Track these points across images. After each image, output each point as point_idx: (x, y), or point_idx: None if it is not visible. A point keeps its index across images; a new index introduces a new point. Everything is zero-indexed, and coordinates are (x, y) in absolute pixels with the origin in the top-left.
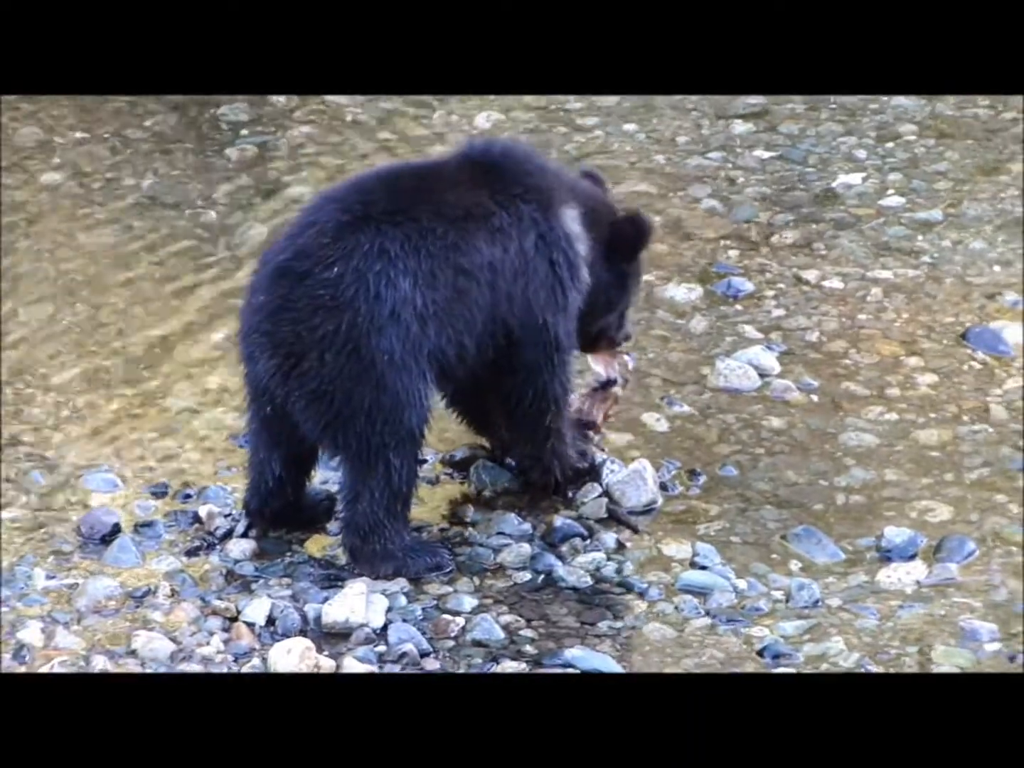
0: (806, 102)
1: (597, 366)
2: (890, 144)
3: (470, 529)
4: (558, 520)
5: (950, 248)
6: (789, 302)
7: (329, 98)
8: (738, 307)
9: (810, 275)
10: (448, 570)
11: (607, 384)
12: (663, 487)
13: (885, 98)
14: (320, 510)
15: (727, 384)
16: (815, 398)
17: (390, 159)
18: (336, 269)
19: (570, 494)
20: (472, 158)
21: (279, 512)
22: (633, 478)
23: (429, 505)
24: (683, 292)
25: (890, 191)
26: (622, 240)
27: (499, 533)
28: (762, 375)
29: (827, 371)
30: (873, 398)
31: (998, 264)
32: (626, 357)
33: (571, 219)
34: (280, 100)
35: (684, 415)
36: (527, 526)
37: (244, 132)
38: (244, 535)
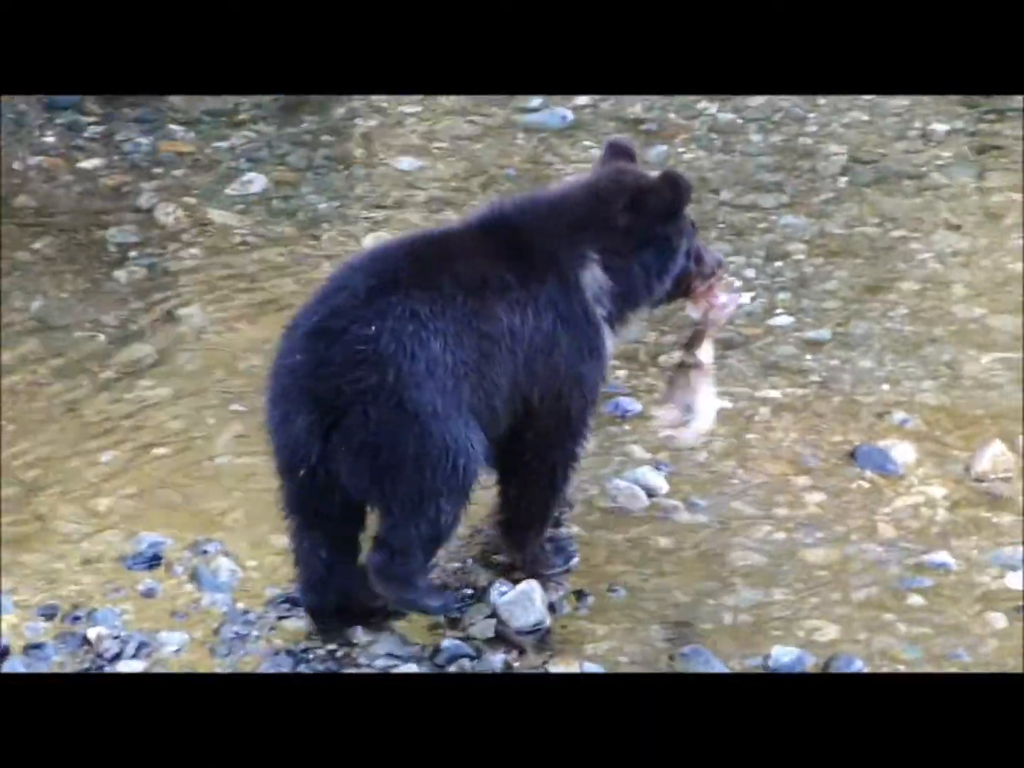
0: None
1: (694, 312)
2: (779, 263)
3: (358, 650)
4: (445, 641)
5: (838, 367)
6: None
7: (216, 219)
8: (626, 427)
9: None
10: (454, 613)
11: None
12: (551, 607)
13: (774, 217)
14: (377, 603)
15: (615, 504)
16: (703, 518)
17: (279, 278)
18: (373, 328)
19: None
20: (488, 226)
21: (337, 603)
22: (521, 598)
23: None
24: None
25: (779, 310)
26: (661, 206)
27: (387, 654)
28: (650, 495)
29: (715, 491)
30: (761, 518)
31: (886, 383)
32: (729, 297)
33: (591, 283)
34: (169, 221)
35: (572, 535)
36: (415, 647)
37: (133, 254)
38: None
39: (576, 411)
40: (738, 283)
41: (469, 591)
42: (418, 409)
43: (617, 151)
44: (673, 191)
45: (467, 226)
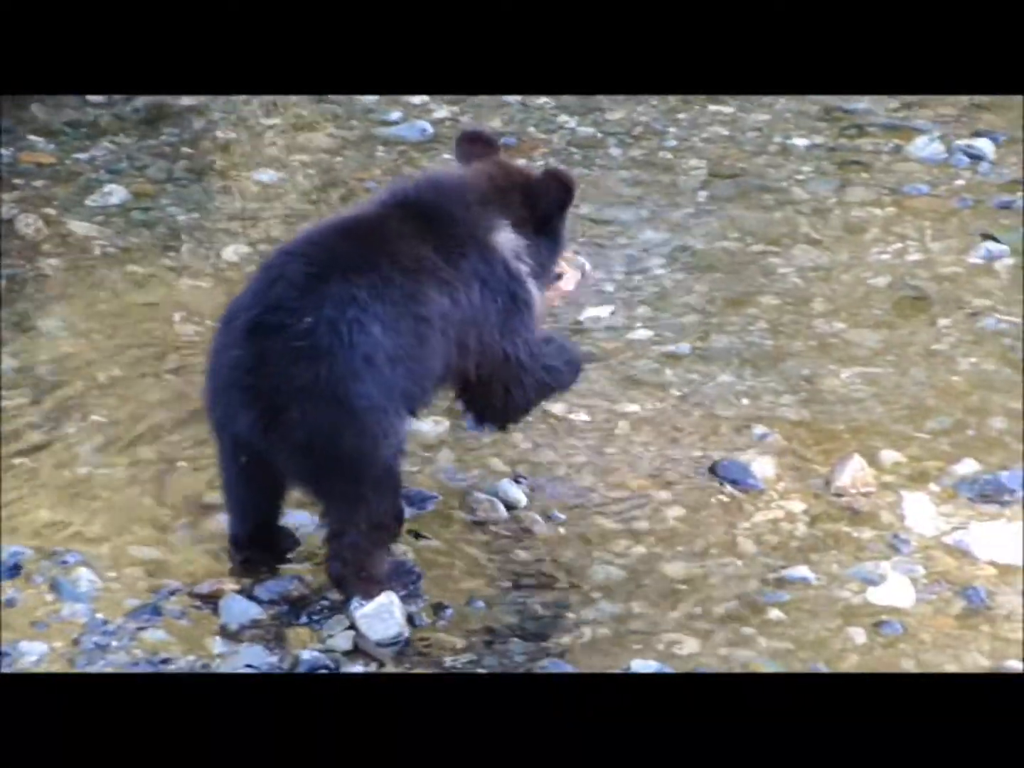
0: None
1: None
2: (638, 277)
3: (217, 661)
4: (305, 653)
5: (698, 381)
6: (536, 435)
7: (76, 230)
8: (485, 440)
9: (557, 408)
10: (417, 579)
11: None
12: (410, 620)
13: (634, 231)
14: (289, 542)
15: (474, 517)
16: (562, 531)
17: (138, 290)
18: (309, 319)
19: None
20: (407, 206)
21: (262, 542)
22: (380, 611)
23: (178, 638)
24: (430, 425)
25: (638, 324)
26: (550, 202)
27: (247, 666)
28: (510, 508)
29: (575, 504)
30: (621, 531)
31: (747, 397)
32: (580, 259)
33: (507, 243)
34: (29, 232)
35: (432, 548)
36: (274, 658)
37: None
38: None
39: (520, 359)
40: (580, 258)
41: (327, 603)
42: (355, 403)
43: (475, 139)
44: (561, 188)
45: (385, 207)
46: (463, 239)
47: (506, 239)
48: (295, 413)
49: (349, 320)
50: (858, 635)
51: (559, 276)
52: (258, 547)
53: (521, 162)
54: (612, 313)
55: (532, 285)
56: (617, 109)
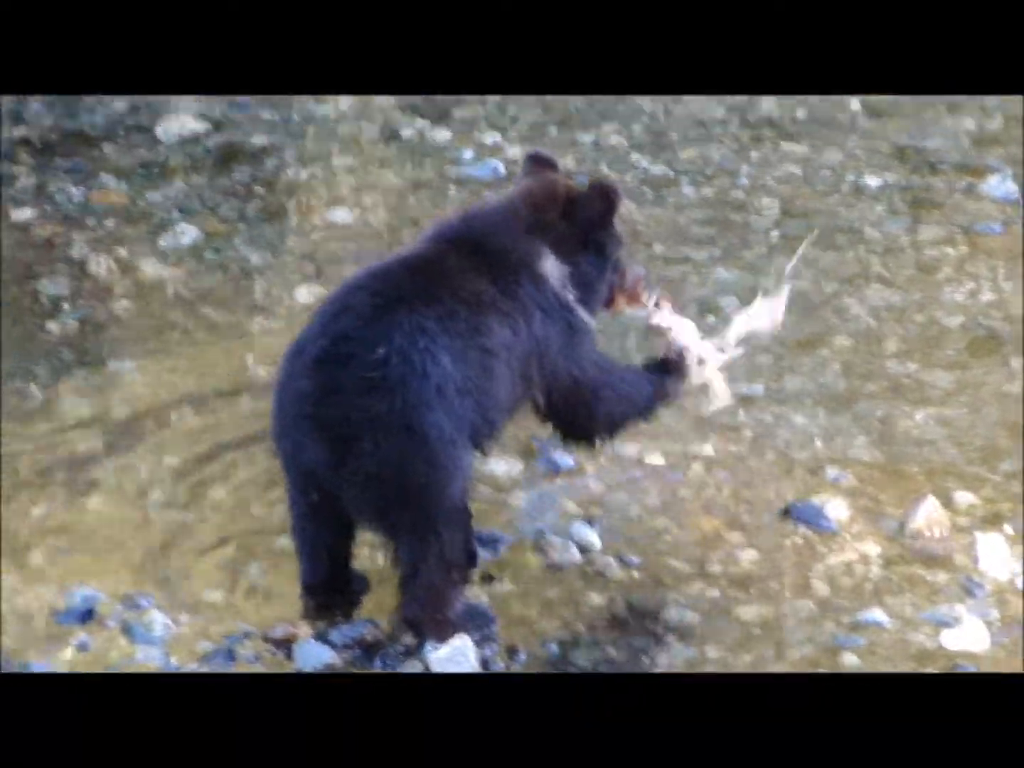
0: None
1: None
2: (711, 317)
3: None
4: None
5: (772, 422)
6: (610, 478)
7: (148, 271)
8: (559, 482)
9: (631, 450)
10: (490, 622)
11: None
12: (484, 664)
13: (706, 270)
14: (362, 586)
15: (548, 560)
16: (636, 574)
17: (210, 332)
18: (380, 350)
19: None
20: (460, 243)
21: (335, 587)
22: (454, 655)
23: None
24: (504, 467)
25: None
26: (594, 215)
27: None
28: (583, 551)
29: (648, 547)
30: (694, 574)
31: (820, 438)
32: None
33: (552, 271)
34: (101, 273)
35: (505, 591)
36: None
37: (65, 306)
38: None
39: (590, 380)
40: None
41: (401, 647)
42: (428, 433)
43: (539, 161)
44: (604, 199)
45: (439, 244)
46: (516, 269)
47: (551, 267)
48: (367, 444)
49: (421, 350)
50: None
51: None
52: (331, 592)
53: (569, 177)
54: None
55: (581, 311)
56: (689, 148)
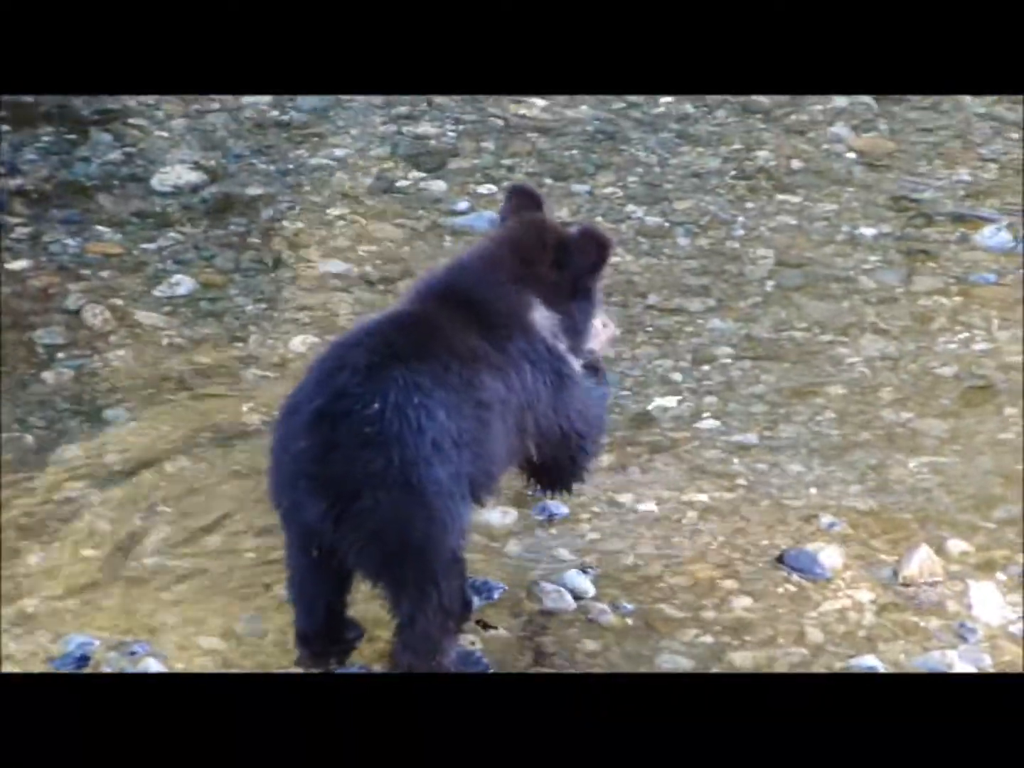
0: (620, 324)
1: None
2: (706, 367)
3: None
4: None
5: (766, 471)
6: (604, 525)
7: (144, 321)
8: (553, 531)
9: (625, 498)
10: (484, 671)
11: None
12: None
13: (701, 320)
14: (356, 632)
15: (542, 607)
16: (630, 621)
17: (206, 380)
18: (376, 406)
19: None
20: (449, 298)
21: (330, 635)
22: None
23: None
24: (498, 516)
25: (705, 414)
26: (585, 264)
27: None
28: (577, 598)
29: (642, 594)
30: (688, 621)
31: (814, 486)
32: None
33: (543, 321)
34: (96, 323)
35: (500, 638)
36: None
37: (60, 355)
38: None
39: (574, 430)
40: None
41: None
42: (426, 488)
43: (521, 196)
44: (597, 247)
45: (427, 301)
46: (505, 322)
47: (541, 317)
48: (366, 501)
49: (416, 405)
50: None
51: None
52: (326, 640)
53: (562, 224)
54: (679, 403)
55: (572, 360)
56: (685, 199)
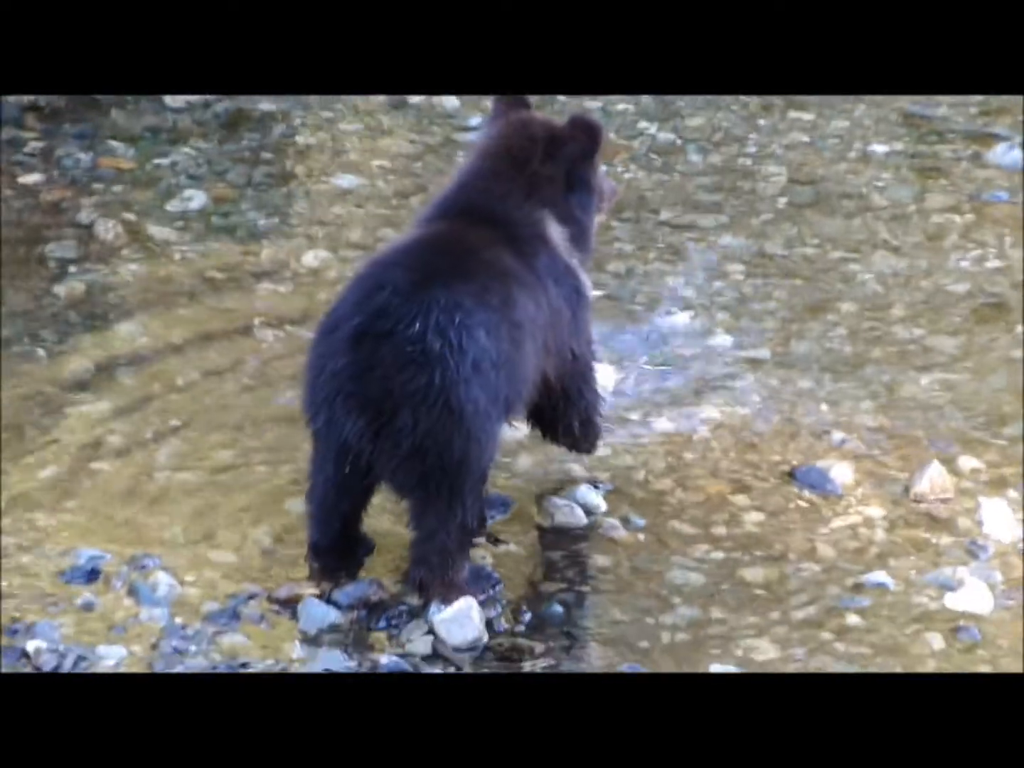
0: (632, 240)
1: None
2: (718, 283)
3: (295, 665)
4: (383, 658)
5: (778, 387)
6: (615, 441)
7: (156, 235)
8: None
9: (636, 415)
10: (495, 584)
11: None
12: (489, 625)
13: (713, 237)
14: (367, 547)
15: (553, 523)
16: (641, 537)
17: (218, 294)
18: (418, 326)
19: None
20: (473, 217)
21: (342, 549)
22: (459, 616)
23: (256, 642)
24: (508, 430)
25: (718, 330)
26: (577, 151)
27: (325, 670)
28: (589, 513)
29: (653, 510)
30: (699, 536)
31: (825, 403)
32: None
33: (557, 236)
34: (108, 237)
35: (511, 553)
36: (352, 663)
37: (72, 269)
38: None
39: (585, 357)
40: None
41: (405, 608)
42: (465, 408)
43: (508, 104)
44: (588, 135)
45: (453, 220)
46: (531, 240)
47: (556, 233)
48: (406, 418)
49: (458, 326)
50: (936, 641)
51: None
52: (338, 554)
53: (541, 116)
54: (692, 319)
55: (584, 276)
56: (697, 115)
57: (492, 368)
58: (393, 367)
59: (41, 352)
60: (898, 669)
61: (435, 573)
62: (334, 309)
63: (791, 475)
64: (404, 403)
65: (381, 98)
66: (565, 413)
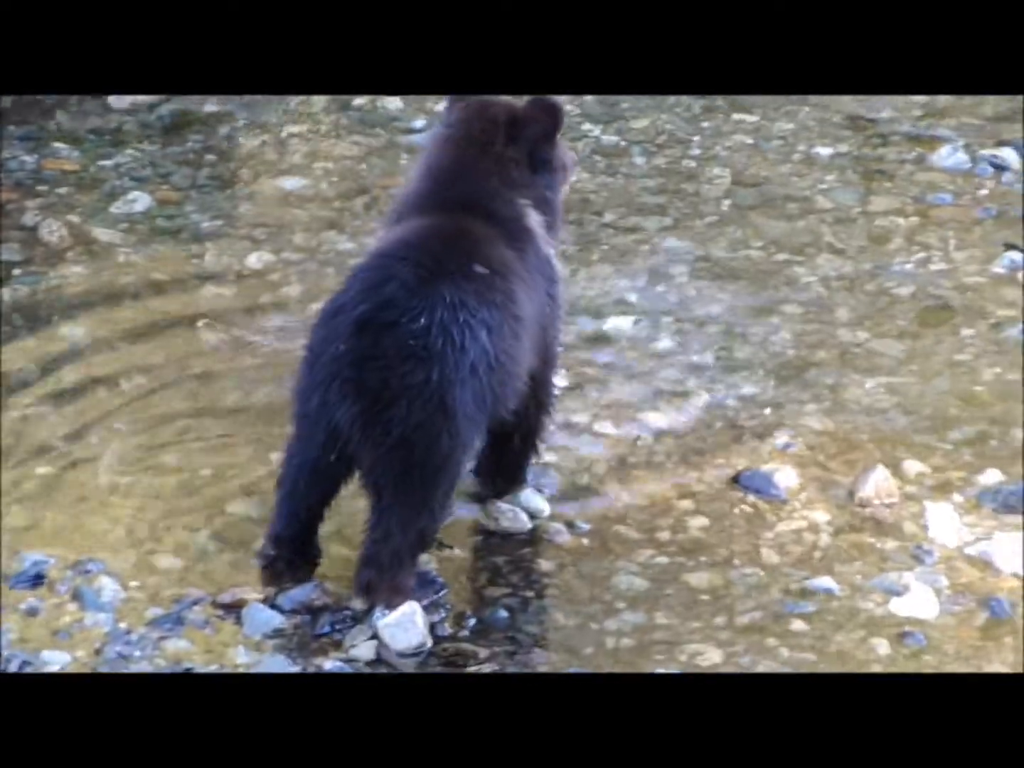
0: (576, 242)
1: None
2: (661, 287)
3: (239, 670)
4: (327, 663)
5: (721, 391)
6: (559, 445)
7: (100, 237)
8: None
9: (580, 418)
10: (440, 589)
11: None
12: (433, 630)
13: (657, 240)
14: (317, 552)
15: (498, 526)
16: (586, 541)
17: (162, 297)
18: (423, 320)
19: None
20: (470, 209)
21: (299, 546)
22: (403, 621)
23: (201, 647)
24: None
25: (662, 334)
26: (539, 132)
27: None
28: (533, 517)
29: (598, 515)
30: (644, 541)
31: (769, 407)
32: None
33: (537, 227)
34: (53, 239)
35: (455, 557)
36: (296, 668)
37: (16, 272)
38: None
39: (554, 351)
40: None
41: (349, 612)
42: (457, 409)
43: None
44: (548, 114)
45: (450, 212)
46: (520, 232)
47: (536, 223)
48: (400, 410)
49: (461, 324)
50: (881, 646)
51: None
52: (296, 547)
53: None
54: (636, 323)
55: (558, 265)
56: (641, 118)
57: (487, 370)
58: (395, 358)
59: None
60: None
61: (383, 576)
62: (337, 296)
63: (735, 480)
64: (400, 395)
65: (324, 101)
66: (528, 416)
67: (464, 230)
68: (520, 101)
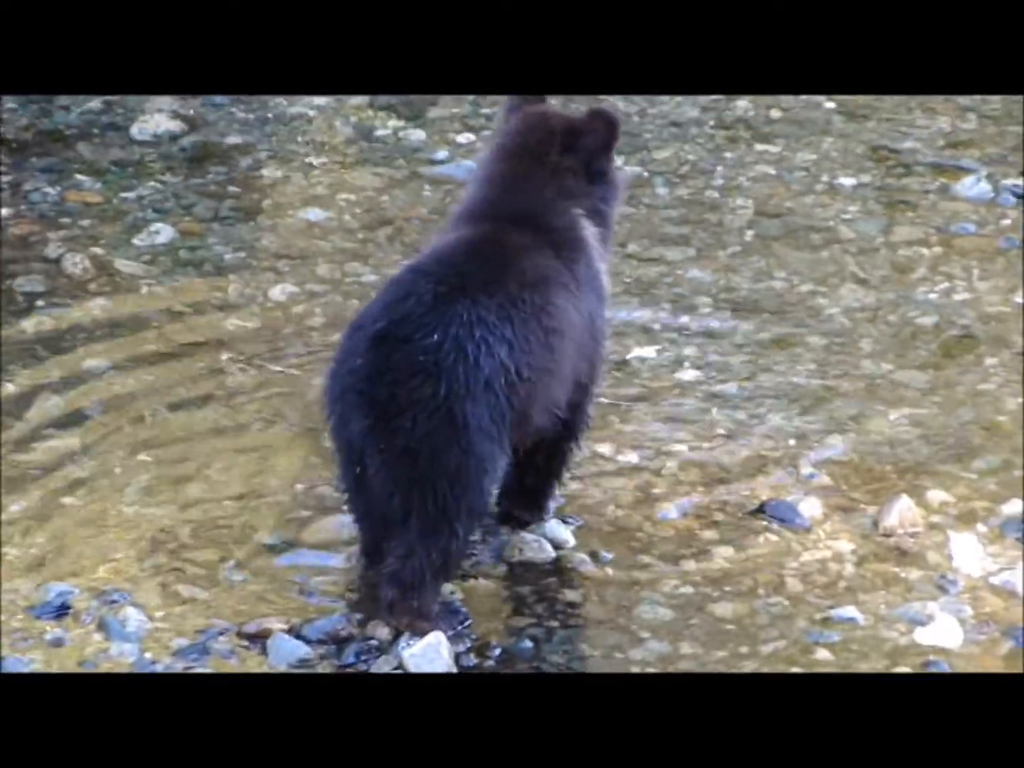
0: None
1: None
2: (685, 317)
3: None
4: None
5: (745, 421)
6: (584, 475)
7: (123, 269)
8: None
9: (604, 448)
10: (464, 619)
11: None
12: (458, 660)
13: (680, 271)
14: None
15: (522, 557)
16: (610, 571)
17: (185, 328)
18: (436, 337)
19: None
20: (512, 218)
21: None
22: (427, 651)
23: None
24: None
25: (685, 364)
26: (597, 143)
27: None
28: (557, 548)
29: (622, 544)
30: (668, 571)
31: (794, 437)
32: None
33: (591, 237)
34: (76, 271)
35: (479, 587)
36: None
37: (39, 303)
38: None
39: (599, 363)
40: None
41: (375, 642)
42: (467, 421)
43: (525, 99)
44: (606, 126)
45: (493, 223)
46: (571, 243)
47: (591, 235)
48: (406, 422)
49: (477, 340)
50: None
51: None
52: (381, 560)
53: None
54: (659, 352)
55: (607, 282)
56: (663, 148)
57: (506, 386)
58: (404, 373)
59: (10, 388)
60: None
61: (406, 595)
62: (364, 310)
63: (760, 509)
64: (407, 408)
65: (347, 131)
66: (556, 440)
67: (499, 243)
68: (576, 110)
